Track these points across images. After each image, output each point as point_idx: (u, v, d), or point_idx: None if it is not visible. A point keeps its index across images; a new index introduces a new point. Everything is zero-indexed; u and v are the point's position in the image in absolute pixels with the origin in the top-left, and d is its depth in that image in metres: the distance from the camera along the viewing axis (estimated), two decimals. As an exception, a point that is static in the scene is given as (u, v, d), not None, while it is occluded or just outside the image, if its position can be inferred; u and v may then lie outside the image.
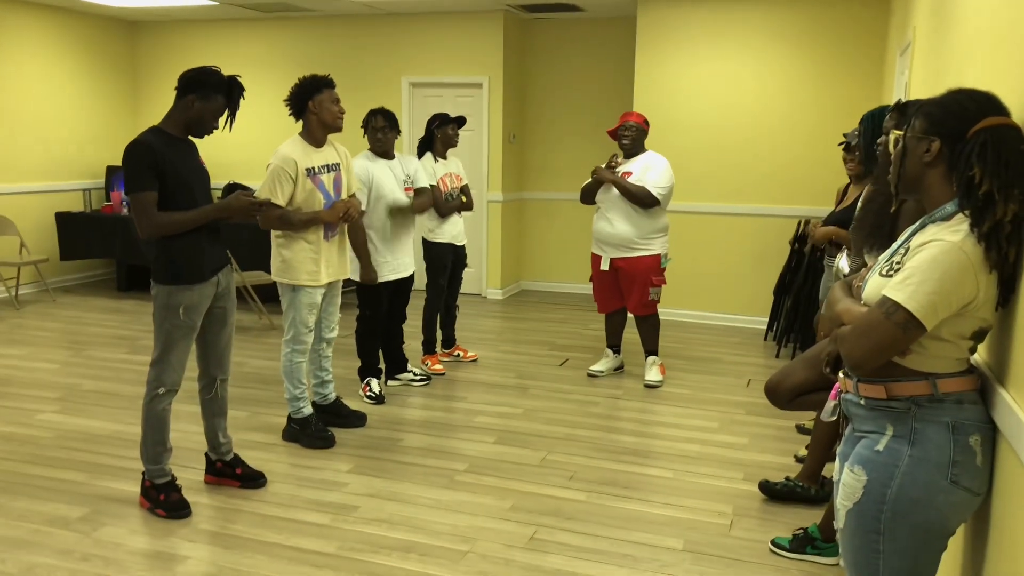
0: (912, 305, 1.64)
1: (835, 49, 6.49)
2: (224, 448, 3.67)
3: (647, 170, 5.03)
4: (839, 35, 6.47)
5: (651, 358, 5.37)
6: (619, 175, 5.06)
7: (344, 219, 4.05)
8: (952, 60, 3.04)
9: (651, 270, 5.11)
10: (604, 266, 5.20)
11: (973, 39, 2.60)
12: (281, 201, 3.88)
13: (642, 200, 4.98)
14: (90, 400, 4.81)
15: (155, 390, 3.33)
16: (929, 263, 1.64)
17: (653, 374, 5.30)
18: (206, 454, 3.71)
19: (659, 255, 5.14)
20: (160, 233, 3.18)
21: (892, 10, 6.03)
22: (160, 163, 3.13)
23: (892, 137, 1.87)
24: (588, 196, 5.24)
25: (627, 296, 5.22)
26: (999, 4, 2.18)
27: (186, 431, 4.28)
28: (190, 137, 3.32)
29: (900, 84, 4.99)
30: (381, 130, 4.73)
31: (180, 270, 3.24)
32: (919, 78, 4.08)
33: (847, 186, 4.21)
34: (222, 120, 3.32)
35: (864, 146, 3.45)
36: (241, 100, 3.30)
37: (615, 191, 5.05)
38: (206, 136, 3.30)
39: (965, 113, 1.70)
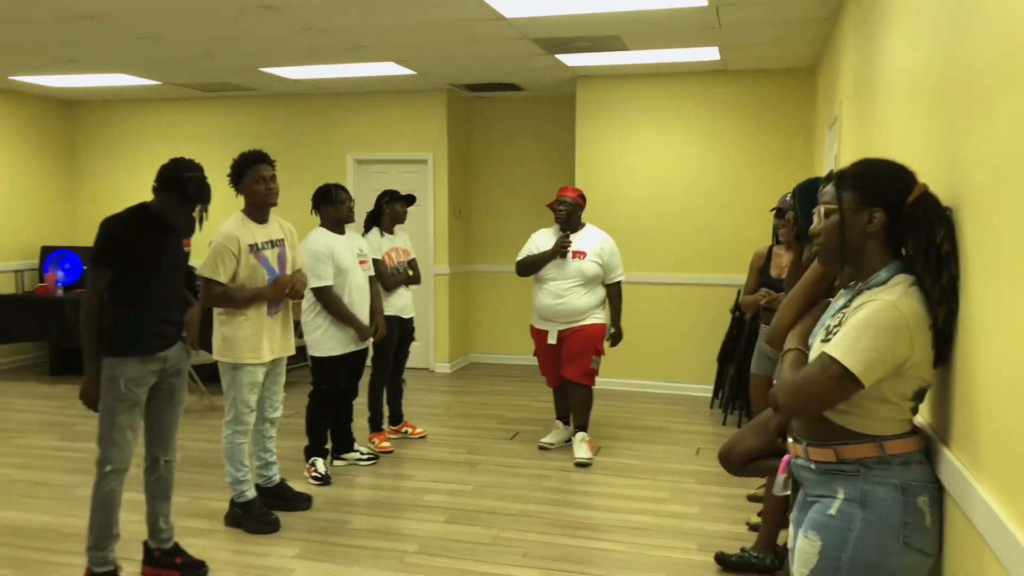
0: (848, 361, 1.68)
1: (767, 123, 6.76)
2: (165, 535, 3.52)
3: (605, 255, 5.15)
4: (770, 110, 6.74)
5: (580, 434, 5.20)
6: (571, 255, 5.11)
7: (290, 295, 4.01)
8: (876, 134, 3.19)
9: (597, 339, 5.14)
10: (552, 340, 5.17)
11: (894, 113, 2.73)
12: (223, 278, 3.83)
13: (619, 298, 5.31)
14: (19, 491, 4.58)
15: (102, 469, 3.24)
16: (864, 321, 1.70)
17: (582, 451, 5.12)
18: (144, 543, 3.54)
19: (604, 324, 5.19)
20: (86, 310, 3.19)
21: (817, 87, 6.33)
22: (128, 243, 3.19)
23: (822, 210, 1.89)
24: (531, 269, 5.21)
25: (568, 364, 5.15)
26: (915, 83, 2.31)
27: (123, 519, 4.08)
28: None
29: (830, 157, 5.20)
30: (348, 201, 4.77)
31: (121, 342, 3.22)
32: (848, 151, 4.26)
33: (769, 249, 4.11)
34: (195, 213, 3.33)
35: (801, 217, 3.54)
36: (202, 198, 3.24)
37: (567, 268, 5.09)
38: (179, 224, 3.32)
39: (901, 183, 1.78)
